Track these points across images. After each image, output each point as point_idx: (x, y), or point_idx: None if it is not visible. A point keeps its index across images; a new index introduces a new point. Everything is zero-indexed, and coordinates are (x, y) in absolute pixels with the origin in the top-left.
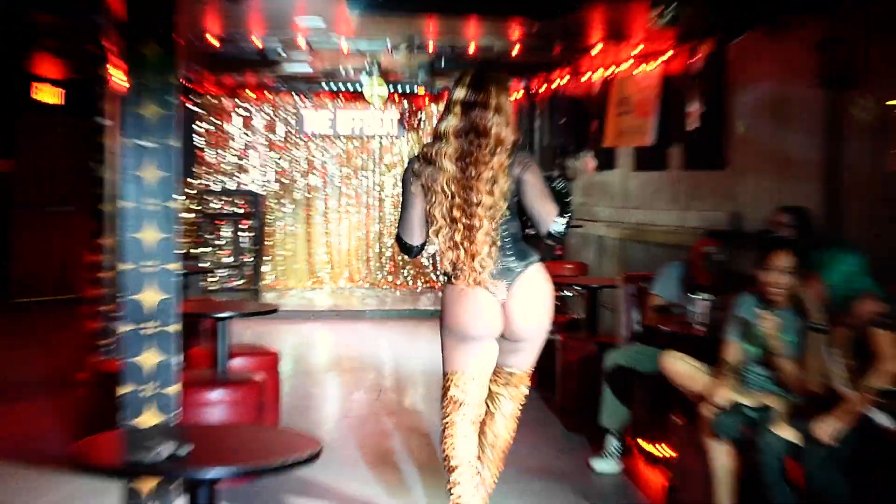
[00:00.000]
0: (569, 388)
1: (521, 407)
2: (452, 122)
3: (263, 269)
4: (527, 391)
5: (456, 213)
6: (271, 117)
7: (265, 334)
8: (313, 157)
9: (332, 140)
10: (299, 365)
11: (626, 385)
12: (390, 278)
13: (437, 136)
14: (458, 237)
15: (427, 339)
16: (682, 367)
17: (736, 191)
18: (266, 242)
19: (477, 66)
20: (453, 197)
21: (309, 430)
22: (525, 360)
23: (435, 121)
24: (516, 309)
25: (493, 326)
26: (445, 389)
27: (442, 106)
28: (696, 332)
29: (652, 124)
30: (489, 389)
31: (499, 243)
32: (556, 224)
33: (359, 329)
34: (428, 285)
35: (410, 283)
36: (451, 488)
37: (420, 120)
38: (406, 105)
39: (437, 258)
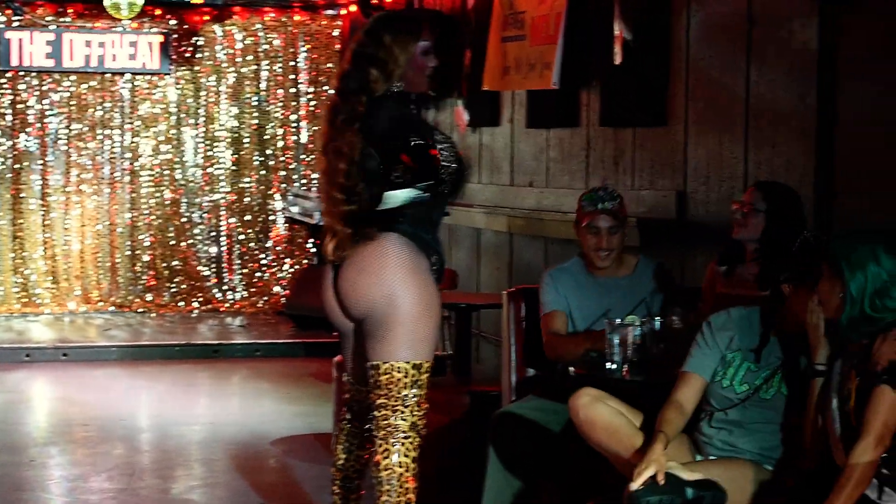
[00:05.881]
0: (422, 466)
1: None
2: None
3: None
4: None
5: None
6: None
7: None
8: (25, 105)
9: (54, 79)
10: (1, 436)
11: (522, 447)
12: (149, 297)
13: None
14: None
15: (209, 392)
16: (604, 415)
17: (684, 158)
18: None
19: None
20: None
21: None
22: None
23: (221, 49)
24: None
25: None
26: None
27: (235, 27)
28: (624, 375)
29: (556, 57)
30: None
31: None
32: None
33: (99, 377)
34: (210, 307)
35: (182, 303)
36: None
37: (196, 47)
38: (174, 24)
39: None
